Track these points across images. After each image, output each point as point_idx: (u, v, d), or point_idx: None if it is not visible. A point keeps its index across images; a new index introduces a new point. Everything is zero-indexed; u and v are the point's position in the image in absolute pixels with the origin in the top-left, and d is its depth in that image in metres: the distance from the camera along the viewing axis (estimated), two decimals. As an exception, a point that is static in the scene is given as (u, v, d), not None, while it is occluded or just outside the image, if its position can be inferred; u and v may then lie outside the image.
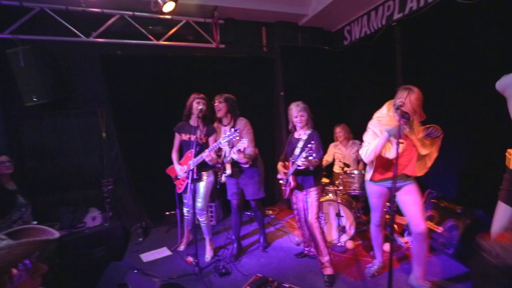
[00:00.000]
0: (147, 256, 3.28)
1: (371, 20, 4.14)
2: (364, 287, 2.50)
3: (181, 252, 3.32)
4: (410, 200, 2.27)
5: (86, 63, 3.87)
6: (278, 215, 4.50)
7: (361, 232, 3.47)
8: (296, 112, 2.63)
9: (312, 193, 2.61)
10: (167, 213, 4.16)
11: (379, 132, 2.19)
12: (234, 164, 3.01)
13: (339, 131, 3.93)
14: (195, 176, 2.77)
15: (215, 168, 3.05)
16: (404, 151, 2.18)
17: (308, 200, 2.63)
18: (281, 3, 4.24)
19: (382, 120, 2.21)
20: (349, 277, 2.64)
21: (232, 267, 2.91)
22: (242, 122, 3.00)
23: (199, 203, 2.99)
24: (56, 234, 0.72)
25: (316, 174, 2.62)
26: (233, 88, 3.50)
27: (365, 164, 2.54)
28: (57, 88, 3.55)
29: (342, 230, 3.23)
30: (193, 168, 2.74)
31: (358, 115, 4.69)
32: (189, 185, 2.74)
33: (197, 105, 2.90)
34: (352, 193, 3.46)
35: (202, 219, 3.07)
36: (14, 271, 0.64)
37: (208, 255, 3.14)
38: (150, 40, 3.97)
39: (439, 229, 2.80)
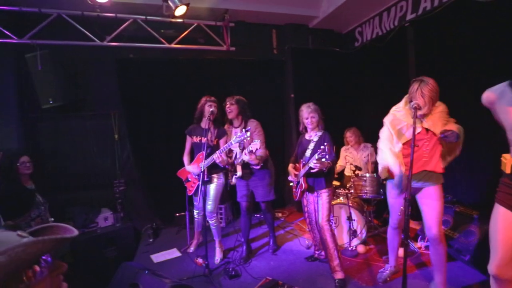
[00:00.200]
0: (158, 257, 3.31)
1: (383, 21, 4.08)
2: (376, 293, 2.46)
3: (191, 253, 3.33)
4: (429, 204, 2.19)
5: (100, 66, 3.96)
6: (288, 217, 4.47)
7: (373, 236, 3.40)
8: (307, 114, 2.61)
9: (323, 195, 2.58)
10: (177, 214, 4.20)
11: (393, 130, 2.18)
12: (245, 165, 3.01)
13: (349, 135, 3.88)
14: (205, 178, 2.78)
15: (226, 169, 3.05)
16: (423, 145, 2.13)
17: (319, 202, 2.60)
18: (292, 5, 4.24)
19: (397, 114, 2.20)
20: (361, 282, 2.59)
21: (242, 269, 2.90)
22: (253, 124, 3.00)
23: (209, 206, 3.00)
24: (75, 232, 0.73)
25: (328, 176, 2.59)
26: (244, 90, 3.51)
27: (374, 166, 2.51)
28: (72, 91, 3.65)
29: (353, 234, 3.17)
30: (203, 170, 2.76)
31: (370, 117, 4.61)
32: (200, 187, 2.75)
33: (208, 107, 2.92)
34: (364, 197, 3.40)
35: (212, 221, 3.08)
36: (37, 268, 0.65)
37: (218, 257, 3.14)
38: (162, 43, 4.04)
39: (455, 235, 2.72)
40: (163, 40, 4.04)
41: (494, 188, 1.67)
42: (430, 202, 2.18)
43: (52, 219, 2.89)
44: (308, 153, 2.61)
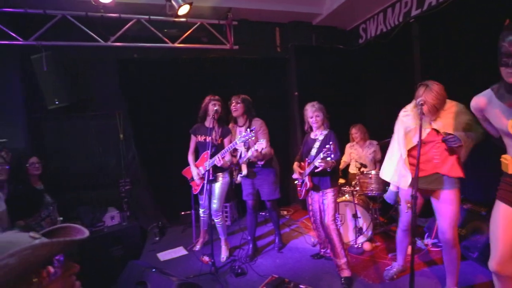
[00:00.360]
0: (164, 255, 3.33)
1: (388, 17, 4.04)
2: (383, 291, 2.45)
3: (197, 251, 3.35)
4: (443, 208, 2.12)
5: (104, 66, 3.98)
6: (293, 215, 4.47)
7: (379, 233, 3.39)
8: (312, 113, 2.60)
9: (329, 194, 2.57)
10: (183, 213, 4.22)
11: (401, 136, 2.17)
12: (250, 164, 3.01)
13: (355, 132, 3.86)
14: (211, 177, 2.79)
15: (230, 168, 3.06)
16: (433, 147, 2.09)
17: (324, 201, 2.59)
18: (295, 3, 4.21)
19: (405, 118, 2.17)
20: (367, 280, 2.58)
21: (248, 267, 2.91)
22: (257, 123, 3.00)
23: (215, 204, 3.01)
24: (86, 234, 0.73)
25: (333, 175, 2.58)
26: (247, 89, 3.51)
27: (380, 164, 2.49)
28: (77, 91, 3.67)
29: (359, 231, 3.17)
30: (209, 169, 2.77)
31: (375, 114, 4.59)
32: (205, 186, 2.76)
33: (212, 106, 2.92)
34: (369, 194, 3.39)
35: (217, 220, 3.09)
36: (51, 269, 0.65)
37: (224, 255, 3.15)
38: (166, 43, 4.04)
39: (463, 232, 2.70)
40: (166, 40, 4.04)
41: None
42: (444, 206, 2.11)
43: (61, 218, 2.92)
44: (313, 152, 2.60)
